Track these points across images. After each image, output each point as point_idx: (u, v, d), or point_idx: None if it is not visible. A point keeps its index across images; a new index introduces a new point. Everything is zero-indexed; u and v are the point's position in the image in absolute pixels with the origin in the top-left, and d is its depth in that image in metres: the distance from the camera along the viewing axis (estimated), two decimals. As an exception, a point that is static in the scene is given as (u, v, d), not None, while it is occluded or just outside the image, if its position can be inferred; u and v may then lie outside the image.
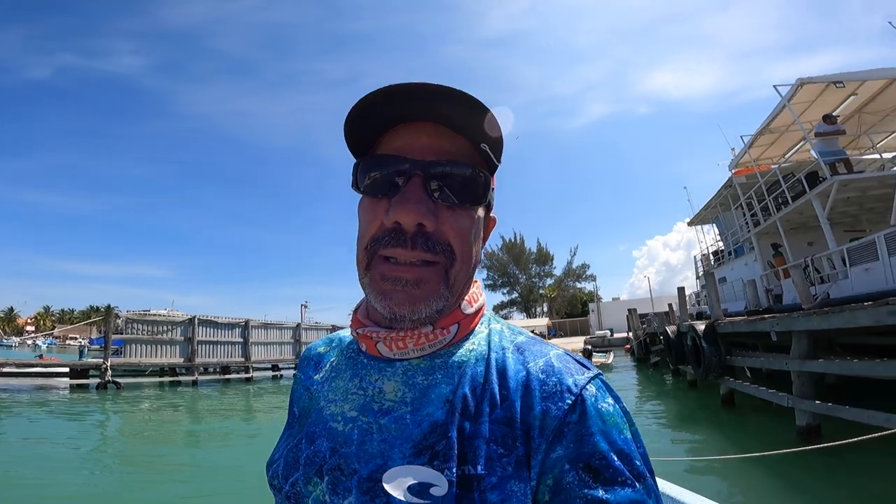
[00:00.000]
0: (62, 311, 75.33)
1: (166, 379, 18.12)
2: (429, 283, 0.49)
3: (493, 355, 0.52)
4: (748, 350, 8.42)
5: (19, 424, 9.43)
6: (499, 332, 0.57)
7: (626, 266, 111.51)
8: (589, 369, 0.50)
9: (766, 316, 7.68)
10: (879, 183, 7.99)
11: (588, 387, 0.48)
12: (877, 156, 9.81)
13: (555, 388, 0.47)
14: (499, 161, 0.54)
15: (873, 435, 3.14)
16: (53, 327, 49.56)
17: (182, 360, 18.40)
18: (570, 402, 0.46)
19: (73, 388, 15.71)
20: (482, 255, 0.57)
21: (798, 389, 6.00)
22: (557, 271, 53.96)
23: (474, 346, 0.54)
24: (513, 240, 53.48)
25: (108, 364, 16.00)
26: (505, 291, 59.10)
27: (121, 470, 6.65)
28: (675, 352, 11.19)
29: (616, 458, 0.44)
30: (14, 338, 13.79)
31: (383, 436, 0.48)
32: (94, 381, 15.94)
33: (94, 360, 17.48)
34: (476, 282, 0.59)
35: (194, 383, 17.96)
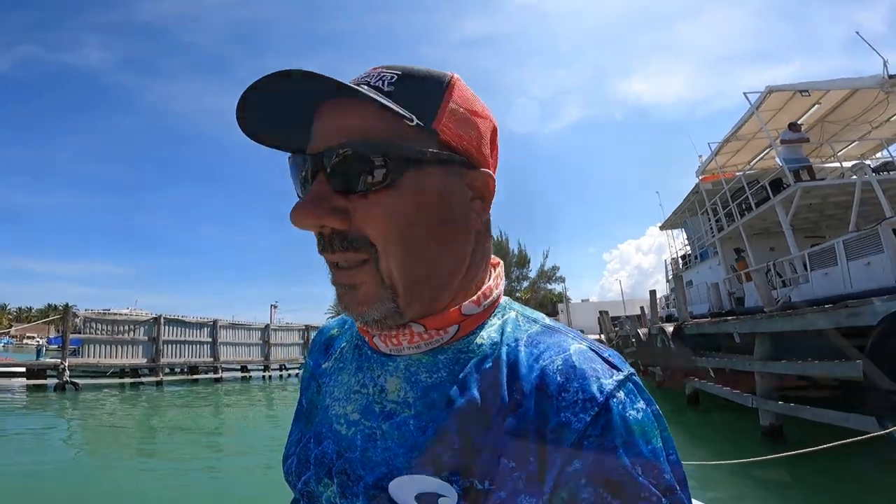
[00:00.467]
0: (19, 309, 73.80)
1: (128, 380, 17.55)
2: (363, 286, 0.44)
3: (505, 349, 0.46)
4: (713, 351, 8.66)
5: None
6: (513, 322, 0.49)
7: (597, 269, 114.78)
8: (619, 370, 0.43)
9: (728, 318, 7.94)
10: (839, 191, 8.35)
11: (617, 394, 0.41)
12: (837, 164, 10.28)
13: (576, 397, 0.41)
14: (428, 109, 0.44)
15: (843, 441, 3.21)
16: (10, 326, 47.59)
17: (145, 360, 17.97)
18: (593, 413, 0.40)
19: (29, 388, 15.37)
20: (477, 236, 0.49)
21: (762, 390, 6.20)
22: (532, 273, 54.84)
23: (484, 340, 0.47)
24: (498, 238, 53.97)
25: (66, 364, 15.58)
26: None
27: (81, 468, 6.41)
28: (645, 353, 11.48)
29: (640, 473, 0.38)
30: None
31: (387, 443, 0.45)
32: (51, 381, 15.49)
33: (52, 360, 16.92)
34: (494, 266, 0.53)
35: (159, 384, 17.54)
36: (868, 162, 9.24)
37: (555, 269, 53.88)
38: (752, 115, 9.59)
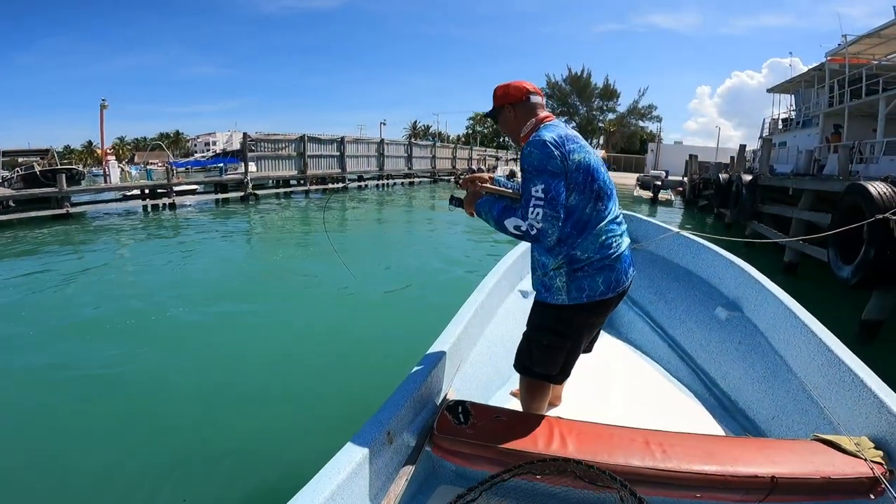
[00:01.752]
0: (136, 140, 78.17)
1: (281, 190, 21.17)
2: None
3: None
4: (775, 203, 10.59)
5: (213, 236, 11.29)
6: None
7: (697, 113, 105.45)
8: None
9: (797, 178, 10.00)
10: None
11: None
12: None
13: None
14: (495, 105, 1.67)
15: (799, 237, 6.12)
16: (132, 156, 52.16)
17: (296, 171, 21.78)
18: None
19: (218, 202, 17.72)
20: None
21: (793, 233, 8.43)
22: (622, 108, 52.93)
23: None
24: (578, 73, 51.52)
25: (249, 178, 18.72)
26: (563, 119, 59.19)
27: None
28: (720, 196, 13.26)
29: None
30: (107, 167, 15.62)
31: None
32: (234, 194, 18.25)
33: (234, 176, 20.10)
34: (539, 121, 1.60)
35: (307, 193, 21.40)
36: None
37: (651, 107, 51.89)
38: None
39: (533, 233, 1.47)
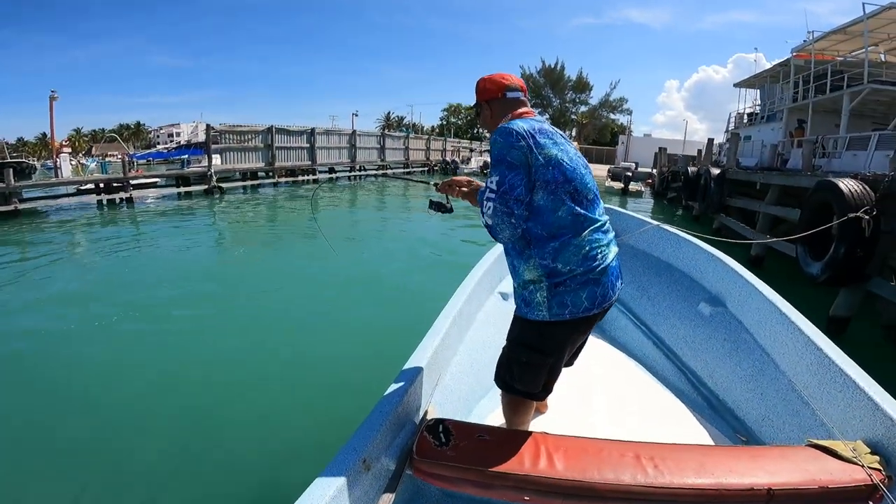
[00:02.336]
0: (93, 131, 73.06)
1: (248, 183, 20.51)
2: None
3: None
4: (742, 197, 10.85)
5: (172, 230, 10.72)
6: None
7: (665, 106, 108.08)
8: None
9: (764, 172, 10.18)
10: None
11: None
12: None
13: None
14: (476, 100, 1.59)
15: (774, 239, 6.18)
16: (90, 148, 49.71)
17: (263, 164, 21.11)
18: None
19: (180, 195, 16.99)
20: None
21: (759, 227, 8.73)
22: (594, 101, 53.47)
23: None
24: (552, 66, 51.75)
25: (213, 171, 17.93)
26: (537, 111, 59.98)
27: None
28: (689, 188, 13.45)
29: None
30: (58, 159, 14.55)
31: None
32: (198, 187, 17.49)
33: (197, 169, 19.41)
34: (514, 116, 1.49)
35: (275, 185, 20.80)
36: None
37: (622, 100, 52.49)
38: (862, 22, 10.48)
39: (490, 224, 1.39)
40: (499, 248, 2.86)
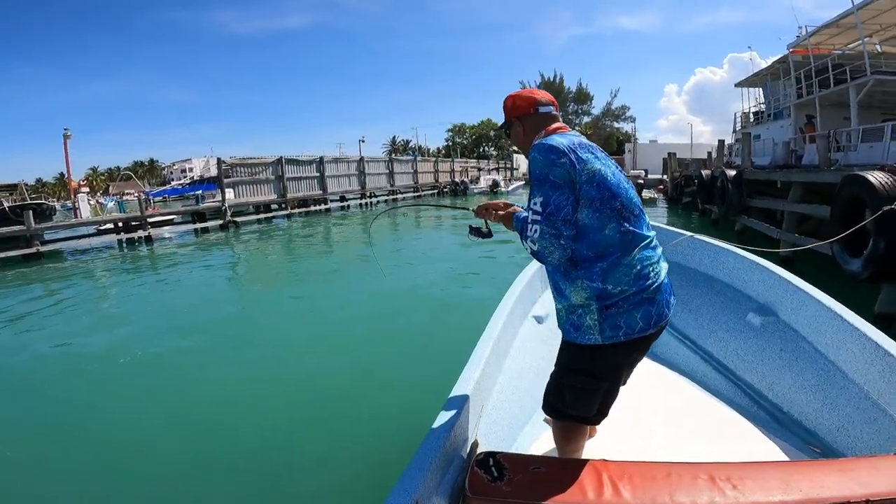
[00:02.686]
0: (109, 169, 75.45)
1: (262, 216, 20.70)
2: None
3: None
4: (762, 196, 10.62)
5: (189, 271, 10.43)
6: None
7: (668, 111, 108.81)
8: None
9: (782, 170, 9.99)
10: None
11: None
12: None
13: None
14: (506, 117, 1.53)
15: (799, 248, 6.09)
16: (107, 186, 50.73)
17: (276, 195, 21.37)
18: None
19: (197, 231, 17.14)
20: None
21: (786, 226, 8.46)
22: (596, 111, 53.86)
23: None
24: (551, 79, 52.46)
25: (227, 206, 18.20)
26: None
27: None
28: (705, 192, 13.23)
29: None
30: (76, 199, 14.72)
31: None
32: (214, 223, 17.65)
33: (212, 204, 19.67)
34: (548, 132, 1.42)
35: (288, 217, 20.92)
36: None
37: (624, 108, 52.97)
38: (852, 14, 10.47)
39: (536, 249, 1.32)
40: (529, 273, 2.82)
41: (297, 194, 22.59)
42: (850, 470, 1.29)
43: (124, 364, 4.89)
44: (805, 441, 1.97)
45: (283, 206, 21.83)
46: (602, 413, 1.55)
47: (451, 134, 68.88)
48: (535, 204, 1.31)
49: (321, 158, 24.26)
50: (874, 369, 1.76)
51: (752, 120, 17.94)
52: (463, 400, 1.59)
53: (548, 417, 2.05)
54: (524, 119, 1.50)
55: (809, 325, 2.17)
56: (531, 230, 1.31)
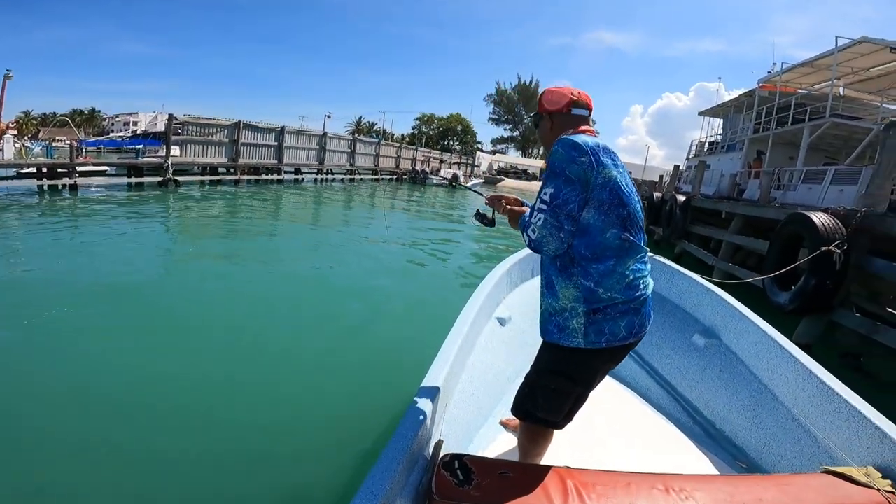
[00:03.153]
0: (44, 115, 69.23)
1: (207, 178, 19.49)
2: None
3: None
4: (705, 224, 11.23)
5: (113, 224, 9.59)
6: None
7: (629, 130, 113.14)
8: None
9: (726, 201, 10.59)
10: (862, 132, 10.25)
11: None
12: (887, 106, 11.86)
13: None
14: (539, 109, 1.55)
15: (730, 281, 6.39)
16: (38, 131, 46.90)
17: (226, 159, 20.27)
18: None
19: (131, 186, 15.93)
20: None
21: (722, 254, 9.00)
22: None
23: None
24: (527, 83, 52.93)
25: (170, 163, 16.86)
26: (508, 128, 61.63)
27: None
28: (653, 213, 13.64)
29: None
30: (1, 141, 13.33)
31: None
32: (151, 179, 16.33)
33: (153, 159, 18.32)
34: (575, 132, 1.42)
35: (236, 182, 19.88)
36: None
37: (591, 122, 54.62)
38: (832, 54, 10.92)
39: (533, 238, 1.36)
40: (498, 273, 2.80)
41: (249, 160, 21.53)
42: (786, 485, 1.42)
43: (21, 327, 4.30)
44: (733, 456, 2.12)
45: (233, 170, 20.76)
46: (568, 418, 1.58)
47: (418, 122, 68.09)
48: (544, 194, 1.34)
49: (282, 128, 23.29)
50: (804, 394, 1.93)
51: (706, 149, 18.81)
52: (429, 398, 1.57)
53: (505, 420, 2.14)
54: (555, 115, 1.51)
55: (749, 349, 2.34)
56: (535, 217, 1.35)
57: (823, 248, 4.45)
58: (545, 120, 1.54)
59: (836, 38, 10.67)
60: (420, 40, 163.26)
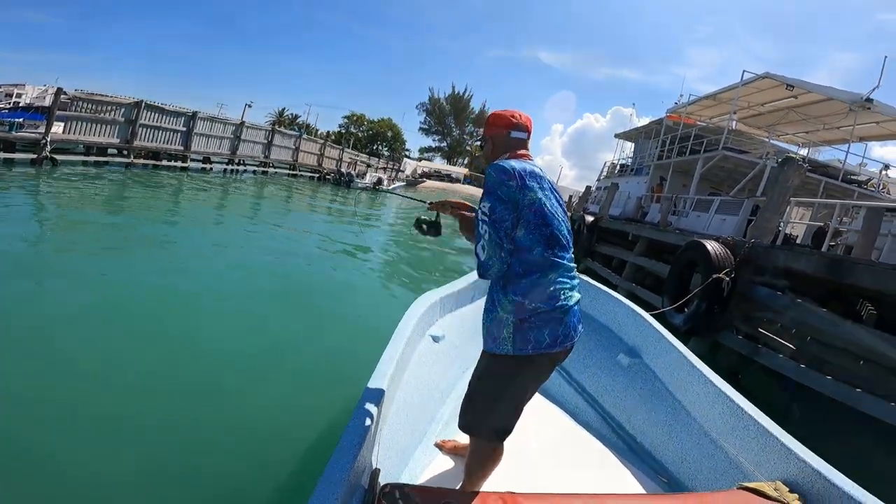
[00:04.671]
0: None
1: (92, 158, 17.68)
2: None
3: None
4: (610, 245, 11.83)
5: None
6: None
7: (546, 150, 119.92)
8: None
9: (631, 223, 11.23)
10: (748, 165, 11.24)
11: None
12: (774, 142, 13.15)
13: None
14: (484, 132, 1.69)
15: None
16: None
17: (118, 140, 18.26)
18: None
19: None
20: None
21: (626, 274, 9.50)
22: (488, 133, 56.87)
23: None
24: (461, 93, 53.61)
25: (49, 139, 15.05)
26: (436, 139, 62.23)
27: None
28: None
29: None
30: None
31: None
32: (24, 155, 14.47)
33: (29, 134, 16.18)
34: (512, 157, 1.55)
35: (127, 166, 18.00)
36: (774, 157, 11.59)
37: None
38: (737, 88, 11.82)
39: (482, 259, 1.47)
40: (434, 297, 2.73)
41: (147, 143, 19.44)
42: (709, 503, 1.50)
43: None
44: (655, 471, 2.21)
45: (126, 153, 18.62)
46: (507, 430, 1.60)
47: (346, 121, 66.31)
48: (484, 207, 1.47)
49: (194, 114, 21.45)
50: (715, 411, 2.03)
51: (616, 171, 20.14)
52: (365, 422, 1.49)
53: (440, 441, 2.17)
54: (496, 138, 1.63)
55: (666, 368, 2.47)
56: (481, 228, 1.46)
57: (714, 276, 4.75)
58: (487, 142, 1.66)
59: (743, 72, 11.49)
60: (359, 35, 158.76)
